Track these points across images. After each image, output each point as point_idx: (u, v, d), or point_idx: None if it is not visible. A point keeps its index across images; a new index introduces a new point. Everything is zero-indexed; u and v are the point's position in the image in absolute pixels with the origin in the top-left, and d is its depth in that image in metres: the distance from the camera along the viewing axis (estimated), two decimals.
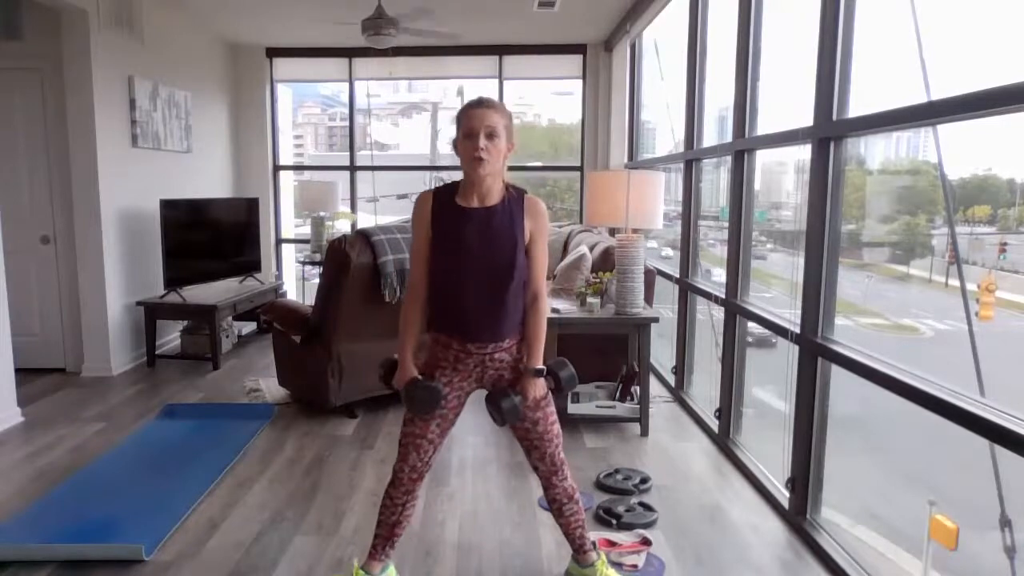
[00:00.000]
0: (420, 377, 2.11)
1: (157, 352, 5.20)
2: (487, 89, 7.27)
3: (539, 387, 2.15)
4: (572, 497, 2.30)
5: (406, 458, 2.18)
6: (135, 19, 5.08)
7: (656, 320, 3.74)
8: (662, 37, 5.75)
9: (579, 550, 2.34)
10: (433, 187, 2.15)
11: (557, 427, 2.24)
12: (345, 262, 3.75)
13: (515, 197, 2.11)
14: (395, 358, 2.16)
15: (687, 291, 4.35)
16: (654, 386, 4.55)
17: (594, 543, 2.37)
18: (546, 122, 9.46)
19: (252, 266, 6.09)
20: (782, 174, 3.97)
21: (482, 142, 1.99)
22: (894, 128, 2.42)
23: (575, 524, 2.31)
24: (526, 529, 2.75)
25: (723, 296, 3.63)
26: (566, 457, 2.31)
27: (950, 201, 2.47)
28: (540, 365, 2.14)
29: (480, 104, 2.04)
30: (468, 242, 2.06)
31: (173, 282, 5.09)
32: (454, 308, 2.12)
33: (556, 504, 2.30)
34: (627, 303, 3.69)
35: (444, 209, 2.09)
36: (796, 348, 2.78)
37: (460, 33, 5.32)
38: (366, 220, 7.32)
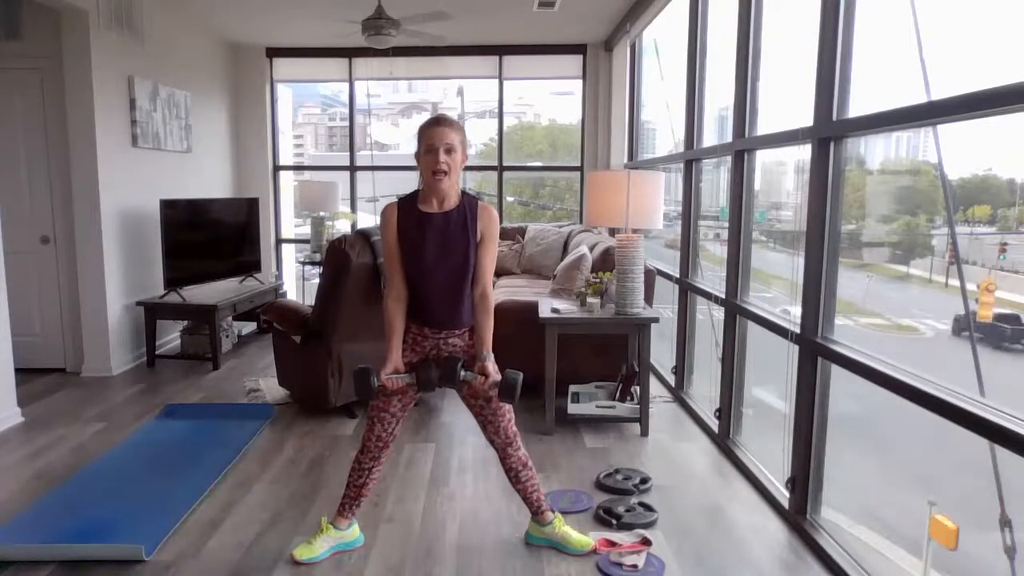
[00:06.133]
0: (365, 367, 2.35)
1: (157, 352, 5.20)
2: (487, 89, 7.28)
3: (491, 370, 2.39)
4: (526, 464, 2.60)
5: (372, 429, 2.51)
6: (135, 19, 5.08)
7: (656, 320, 3.74)
8: (662, 37, 5.75)
9: (537, 512, 2.62)
10: (397, 198, 2.44)
11: (507, 404, 2.51)
12: (345, 262, 3.76)
13: (470, 203, 2.42)
14: (361, 368, 2.37)
15: (687, 291, 4.35)
16: (654, 386, 4.56)
17: (554, 510, 2.64)
18: (546, 122, 9.45)
19: (252, 266, 6.09)
20: (782, 174, 3.96)
21: (442, 157, 2.30)
22: (894, 128, 2.42)
23: (531, 488, 2.61)
24: (526, 529, 2.75)
25: (723, 296, 3.63)
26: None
27: (950, 201, 2.47)
28: (489, 353, 2.41)
29: (439, 123, 2.34)
30: (429, 241, 2.38)
31: (173, 282, 5.09)
32: (416, 298, 2.43)
33: (513, 472, 2.59)
34: (627, 303, 3.69)
35: (408, 216, 2.40)
36: (796, 348, 2.78)
37: (445, 36, 5.30)
38: (366, 220, 7.32)
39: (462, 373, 2.40)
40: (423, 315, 2.45)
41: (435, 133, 2.31)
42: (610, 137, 6.81)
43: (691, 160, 4.26)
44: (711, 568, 2.50)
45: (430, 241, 2.37)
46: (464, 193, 2.44)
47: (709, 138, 4.28)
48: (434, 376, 2.39)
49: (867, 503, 3.18)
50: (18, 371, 4.10)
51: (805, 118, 2.72)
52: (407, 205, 2.41)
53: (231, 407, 4.24)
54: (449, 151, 2.31)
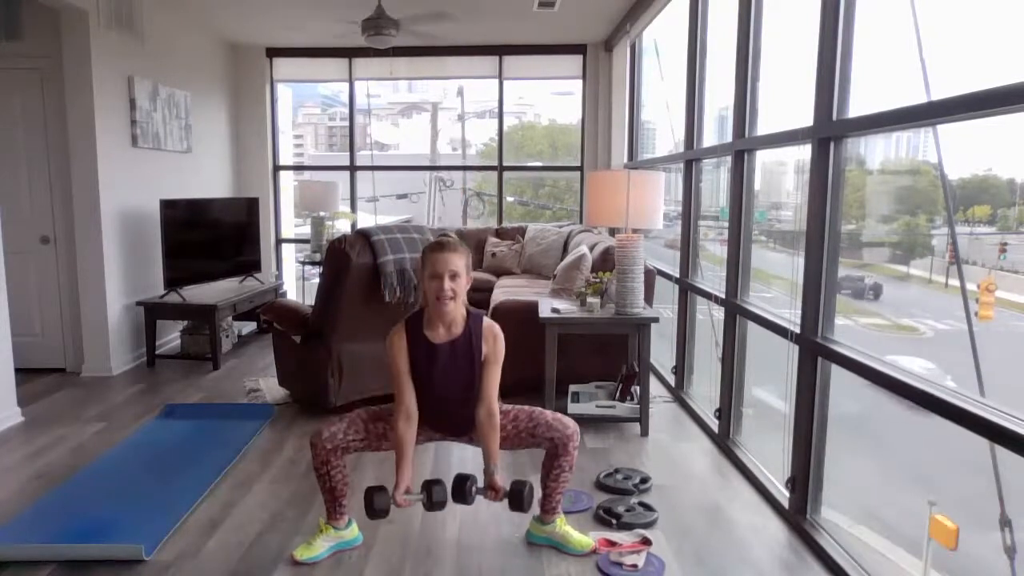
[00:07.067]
0: (379, 487, 2.36)
1: (157, 352, 5.20)
2: (487, 89, 7.29)
3: (499, 484, 2.42)
4: (572, 467, 2.58)
5: (330, 427, 2.48)
6: (135, 19, 5.08)
7: (656, 320, 3.74)
8: (662, 37, 5.75)
9: (551, 511, 2.62)
10: (403, 320, 2.47)
11: (533, 411, 2.56)
12: (345, 262, 3.76)
13: (475, 323, 2.45)
14: (375, 488, 2.37)
15: (687, 291, 4.35)
16: (654, 386, 4.56)
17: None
18: (546, 122, 9.47)
19: (252, 266, 6.09)
20: (782, 174, 3.97)
21: (447, 284, 2.34)
22: (894, 128, 2.42)
23: (561, 490, 2.60)
24: (525, 530, 2.75)
25: (723, 296, 3.63)
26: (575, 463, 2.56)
27: (950, 201, 2.47)
28: (497, 465, 2.44)
29: (444, 248, 2.37)
30: (437, 370, 2.43)
31: (173, 282, 5.09)
32: (424, 412, 2.46)
33: (558, 470, 2.54)
34: (627, 303, 3.69)
35: (416, 343, 2.43)
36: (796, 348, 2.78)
37: (445, 35, 5.30)
38: (366, 220, 7.33)
39: (473, 492, 2.41)
40: (429, 423, 2.53)
41: (439, 260, 2.34)
42: (610, 137, 6.81)
43: (691, 160, 4.26)
44: (711, 568, 2.50)
45: (437, 370, 2.42)
46: (470, 313, 2.47)
47: (709, 138, 4.28)
48: (446, 498, 2.39)
49: (867, 503, 3.18)
50: (18, 371, 4.10)
51: (805, 118, 2.71)
52: (414, 330, 2.43)
53: (231, 407, 4.24)
54: (454, 277, 2.35)
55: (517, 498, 2.40)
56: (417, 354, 2.42)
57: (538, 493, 2.62)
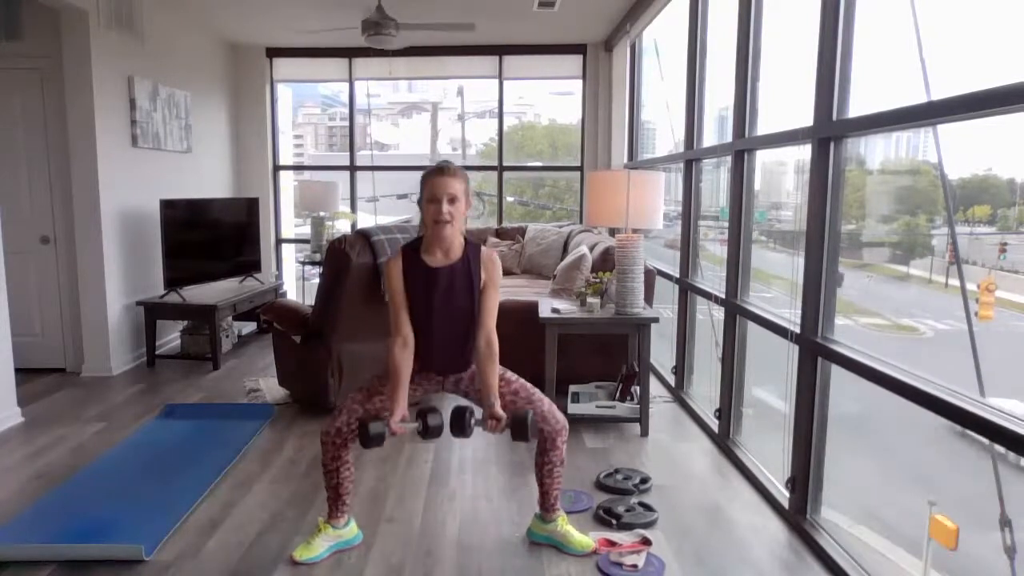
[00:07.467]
0: (377, 419, 2.34)
1: (157, 352, 5.20)
2: (487, 89, 7.29)
3: (500, 415, 2.38)
4: (563, 462, 2.59)
5: (335, 421, 2.49)
6: (135, 19, 5.08)
7: (656, 320, 3.74)
8: (662, 37, 5.75)
9: (551, 509, 2.62)
10: (401, 248, 2.46)
11: (533, 393, 2.52)
12: (345, 262, 3.76)
13: (473, 250, 2.44)
14: (371, 419, 2.35)
15: (687, 291, 4.35)
16: (654, 386, 4.56)
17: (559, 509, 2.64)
18: (546, 122, 9.46)
19: (252, 266, 6.09)
20: (782, 174, 3.97)
21: (445, 207, 2.32)
22: (894, 128, 2.42)
23: (557, 485, 2.60)
24: (526, 528, 2.75)
25: (723, 296, 3.63)
26: (566, 457, 2.53)
27: (950, 201, 2.46)
28: (496, 398, 2.40)
29: (442, 172, 2.34)
30: (435, 296, 2.40)
31: (173, 282, 5.09)
32: (419, 345, 2.44)
33: (550, 465, 2.56)
34: (627, 303, 3.69)
35: (414, 269, 2.41)
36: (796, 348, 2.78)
37: (441, 35, 5.30)
38: (366, 220, 7.32)
39: (472, 423, 2.37)
40: (426, 361, 2.48)
41: (438, 183, 2.32)
42: (610, 137, 6.81)
43: (691, 160, 4.26)
44: (711, 568, 2.50)
45: (435, 296, 2.40)
46: (467, 241, 2.45)
47: (709, 138, 4.28)
48: (442, 424, 2.36)
49: (867, 503, 3.18)
50: (18, 371, 4.10)
51: (805, 118, 2.71)
52: (411, 256, 2.42)
53: (231, 407, 4.24)
54: (452, 201, 2.32)
55: (520, 426, 2.33)
56: (415, 279, 2.40)
57: (535, 493, 2.62)
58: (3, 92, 4.74)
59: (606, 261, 4.27)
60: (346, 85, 7.19)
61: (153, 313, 5.07)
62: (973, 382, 2.04)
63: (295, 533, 2.71)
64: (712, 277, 4.09)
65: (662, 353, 5.03)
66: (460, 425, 2.35)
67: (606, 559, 2.52)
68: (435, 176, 2.34)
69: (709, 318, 4.12)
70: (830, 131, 2.57)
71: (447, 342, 2.47)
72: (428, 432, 2.34)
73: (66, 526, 2.76)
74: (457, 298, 2.41)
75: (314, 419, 3.99)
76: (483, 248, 2.47)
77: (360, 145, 7.68)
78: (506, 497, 3.03)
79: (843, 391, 2.68)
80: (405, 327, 2.41)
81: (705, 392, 4.17)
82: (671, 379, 4.64)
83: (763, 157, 3.50)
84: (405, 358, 2.40)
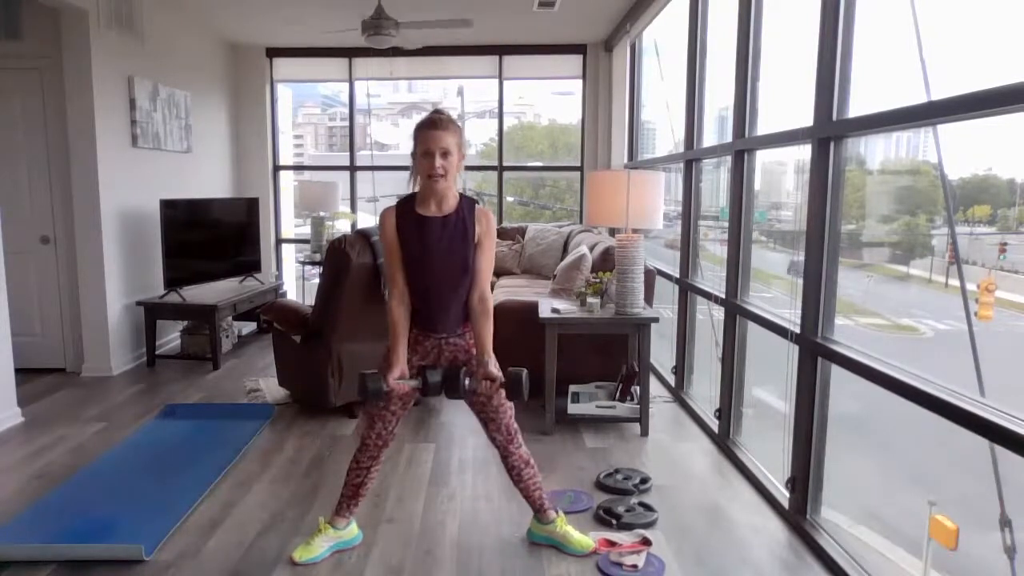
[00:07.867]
0: (372, 372, 2.33)
1: (157, 352, 5.20)
2: (487, 89, 7.28)
3: (494, 373, 2.37)
4: (527, 463, 2.59)
5: (373, 426, 2.51)
6: (135, 19, 5.08)
7: (656, 320, 3.74)
8: (662, 37, 5.75)
9: (540, 510, 2.61)
10: (395, 202, 2.43)
11: (503, 403, 2.52)
12: (345, 262, 3.76)
13: (468, 206, 2.41)
14: (369, 372, 2.34)
15: (687, 291, 4.35)
16: (654, 386, 4.56)
17: (557, 510, 2.64)
18: (546, 122, 9.45)
19: (252, 266, 6.09)
20: (782, 174, 3.97)
21: (438, 161, 2.29)
22: (894, 128, 2.42)
23: (533, 487, 2.60)
24: (526, 529, 2.75)
25: (723, 296, 3.63)
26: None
27: (950, 201, 2.47)
28: (491, 356, 2.40)
29: (435, 125, 2.30)
30: (429, 246, 2.37)
31: (173, 282, 5.09)
32: (417, 302, 2.44)
33: (515, 470, 2.58)
34: (627, 303, 3.69)
35: (407, 220, 2.39)
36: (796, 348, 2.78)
37: (441, 35, 5.29)
38: (366, 220, 7.32)
39: (467, 382, 2.37)
40: (422, 320, 2.46)
41: (430, 136, 2.29)
42: (610, 137, 6.81)
43: (691, 160, 4.26)
44: (711, 568, 2.50)
45: (429, 246, 2.37)
46: (462, 196, 2.43)
47: (709, 138, 4.28)
48: (440, 381, 2.36)
49: (867, 503, 3.18)
50: (18, 371, 4.10)
51: (805, 118, 2.71)
52: (406, 208, 2.40)
53: (231, 407, 4.24)
54: (445, 154, 2.29)
55: (516, 384, 2.33)
56: (408, 229, 2.37)
57: (523, 501, 2.65)
58: (3, 92, 4.74)
59: (606, 261, 4.27)
60: (346, 85, 7.19)
61: (153, 313, 5.07)
62: (973, 382, 2.04)
63: (295, 533, 2.71)
64: (712, 277, 4.09)
65: (662, 353, 5.02)
66: (454, 386, 2.34)
67: (606, 559, 2.52)
68: (428, 129, 2.30)
69: (709, 318, 4.12)
70: (830, 131, 2.57)
71: (442, 298, 2.42)
72: (428, 389, 2.35)
73: (66, 526, 2.76)
74: (451, 249, 2.37)
75: (314, 419, 3.99)
76: (478, 204, 2.45)
77: (360, 145, 7.67)
78: (506, 497, 3.03)
79: (843, 391, 2.67)
80: (401, 282, 2.41)
81: (705, 392, 4.17)
82: (671, 379, 4.64)
83: (763, 157, 3.49)
84: (403, 313, 2.41)
